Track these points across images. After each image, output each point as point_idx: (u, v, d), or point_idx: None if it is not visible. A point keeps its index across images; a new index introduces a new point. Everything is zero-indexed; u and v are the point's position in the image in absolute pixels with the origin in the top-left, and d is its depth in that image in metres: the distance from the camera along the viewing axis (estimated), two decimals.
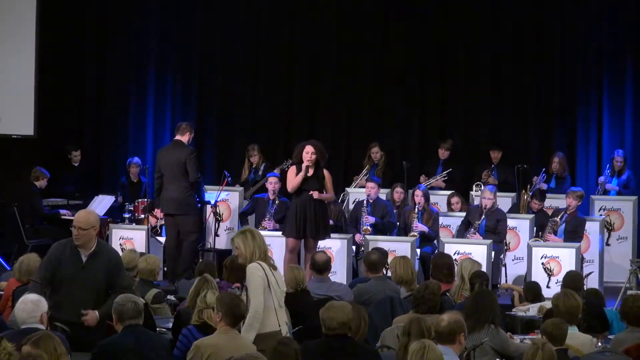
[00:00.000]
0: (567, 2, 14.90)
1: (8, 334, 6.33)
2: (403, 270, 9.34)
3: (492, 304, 7.39)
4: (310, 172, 11.17)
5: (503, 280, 12.18)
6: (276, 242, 11.92)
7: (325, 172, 11.26)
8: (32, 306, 6.63)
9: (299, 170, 11.17)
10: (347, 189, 13.95)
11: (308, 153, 11.11)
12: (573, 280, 9.15)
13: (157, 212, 12.42)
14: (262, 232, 12.17)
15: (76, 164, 15.04)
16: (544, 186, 13.47)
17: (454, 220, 12.83)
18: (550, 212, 12.73)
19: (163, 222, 12.60)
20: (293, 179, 11.20)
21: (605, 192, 13.46)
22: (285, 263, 11.07)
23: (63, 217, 13.90)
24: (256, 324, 7.11)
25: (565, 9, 14.87)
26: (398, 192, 13.28)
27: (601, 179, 13.56)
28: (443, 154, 14.37)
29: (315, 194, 11.09)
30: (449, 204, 13.29)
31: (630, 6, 14.55)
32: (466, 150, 15.05)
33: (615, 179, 13.55)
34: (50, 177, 13.91)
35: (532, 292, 9.73)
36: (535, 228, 12.55)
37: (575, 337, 7.07)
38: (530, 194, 12.95)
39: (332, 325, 6.55)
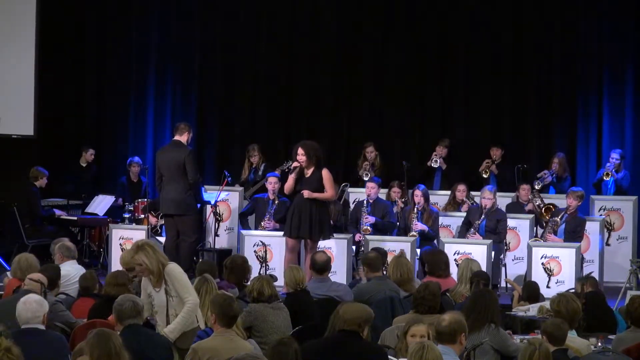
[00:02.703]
0: (568, 2, 14.90)
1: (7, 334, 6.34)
2: (392, 271, 9.41)
3: (491, 303, 7.39)
4: (307, 172, 11.18)
5: (503, 280, 12.18)
6: (276, 242, 11.93)
7: (325, 171, 11.22)
8: (36, 306, 6.65)
9: (298, 171, 11.20)
10: (346, 188, 13.95)
11: (299, 155, 11.14)
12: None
13: None
14: (262, 232, 12.31)
15: (84, 164, 15.02)
16: (548, 179, 13.57)
17: (454, 220, 12.82)
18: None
19: (163, 222, 12.61)
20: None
21: (608, 175, 13.46)
22: (285, 263, 11.08)
23: (58, 217, 13.90)
24: (193, 317, 7.33)
25: (565, 9, 14.87)
26: (395, 192, 13.27)
27: (608, 165, 13.54)
28: (441, 152, 14.38)
29: (306, 193, 11.06)
30: (453, 191, 13.22)
31: (630, 7, 14.55)
32: (466, 150, 15.05)
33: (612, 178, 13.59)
34: (50, 176, 13.90)
35: (528, 291, 9.72)
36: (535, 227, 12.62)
37: (572, 341, 7.07)
38: (534, 183, 13.21)
39: (346, 317, 6.56)
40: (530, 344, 6.18)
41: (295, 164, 11.14)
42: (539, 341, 6.33)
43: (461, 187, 13.16)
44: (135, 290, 8.43)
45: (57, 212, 14.05)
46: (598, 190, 13.63)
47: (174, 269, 7.48)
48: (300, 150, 11.13)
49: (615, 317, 8.97)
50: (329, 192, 11.23)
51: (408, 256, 11.53)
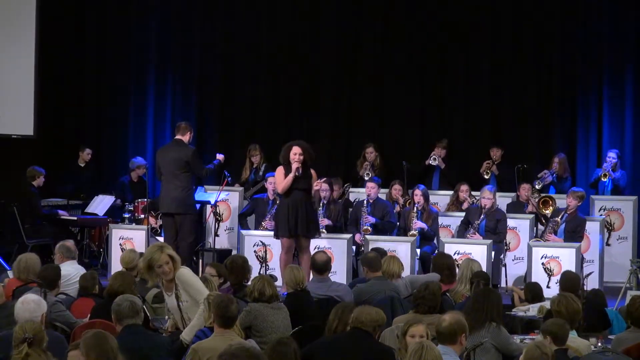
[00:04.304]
0: (568, 2, 14.89)
1: (7, 334, 6.34)
2: (388, 267, 9.48)
3: (493, 302, 7.38)
4: (300, 171, 11.22)
5: (503, 280, 12.19)
6: (276, 242, 11.90)
7: (313, 172, 11.33)
8: (34, 306, 6.65)
9: (287, 170, 11.20)
10: (348, 188, 13.94)
11: (296, 154, 11.16)
12: (571, 282, 9.11)
13: None
14: (262, 232, 12.31)
15: (82, 164, 15.01)
16: (549, 178, 13.58)
17: (454, 220, 12.82)
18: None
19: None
20: (282, 180, 11.24)
21: (606, 176, 13.46)
22: (281, 263, 11.12)
23: (61, 217, 13.90)
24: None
25: (565, 9, 14.86)
26: (396, 190, 13.30)
27: (606, 166, 13.54)
28: (440, 152, 14.38)
29: (317, 183, 11.29)
30: (456, 191, 13.23)
31: (630, 7, 14.54)
32: (466, 150, 15.05)
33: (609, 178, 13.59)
34: (48, 176, 13.87)
35: (531, 292, 9.68)
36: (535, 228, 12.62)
37: (572, 341, 7.06)
38: (534, 183, 13.24)
39: (362, 319, 6.71)
40: (537, 347, 6.12)
41: (297, 164, 11.16)
42: (543, 342, 6.30)
43: (464, 187, 13.17)
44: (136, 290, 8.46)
45: (60, 211, 14.03)
46: (595, 189, 13.63)
47: (185, 274, 7.54)
48: (297, 150, 11.16)
49: (608, 317, 8.94)
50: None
51: (408, 256, 11.58)
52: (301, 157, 11.14)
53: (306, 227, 11.15)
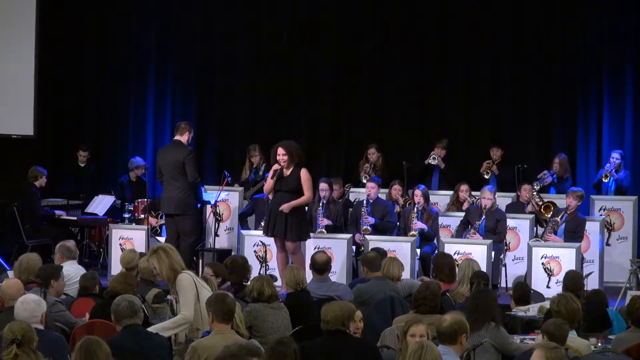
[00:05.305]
0: (568, 2, 14.89)
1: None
2: (388, 270, 9.45)
3: (491, 302, 7.40)
4: (287, 172, 11.17)
5: (503, 280, 12.18)
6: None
7: (304, 171, 11.21)
8: (34, 306, 6.65)
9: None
10: (348, 189, 13.93)
11: (279, 155, 11.12)
12: (573, 281, 9.12)
13: None
14: (262, 232, 12.31)
15: (82, 164, 15.02)
16: (548, 179, 13.59)
17: (454, 220, 12.82)
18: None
19: (163, 222, 12.62)
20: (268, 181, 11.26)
21: (607, 177, 13.46)
22: (278, 262, 11.12)
23: (59, 217, 13.89)
24: (178, 329, 7.31)
25: (565, 9, 14.86)
26: (396, 190, 13.31)
27: (608, 166, 13.55)
28: (439, 152, 14.38)
29: (285, 208, 11.01)
30: (456, 191, 13.23)
31: (630, 7, 14.54)
32: (466, 150, 15.05)
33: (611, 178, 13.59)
34: (49, 176, 13.88)
35: (518, 291, 9.61)
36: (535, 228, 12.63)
37: (572, 341, 7.06)
38: (534, 184, 13.23)
39: (327, 319, 6.60)
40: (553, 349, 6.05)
41: (277, 166, 11.14)
42: (550, 344, 6.27)
43: (464, 187, 13.18)
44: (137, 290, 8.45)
45: (58, 212, 14.03)
46: (598, 190, 13.63)
47: (182, 280, 7.50)
48: (281, 151, 11.15)
49: (609, 317, 8.94)
50: (305, 194, 11.21)
51: (408, 256, 11.58)
52: (284, 158, 11.12)
53: (283, 229, 11.11)
